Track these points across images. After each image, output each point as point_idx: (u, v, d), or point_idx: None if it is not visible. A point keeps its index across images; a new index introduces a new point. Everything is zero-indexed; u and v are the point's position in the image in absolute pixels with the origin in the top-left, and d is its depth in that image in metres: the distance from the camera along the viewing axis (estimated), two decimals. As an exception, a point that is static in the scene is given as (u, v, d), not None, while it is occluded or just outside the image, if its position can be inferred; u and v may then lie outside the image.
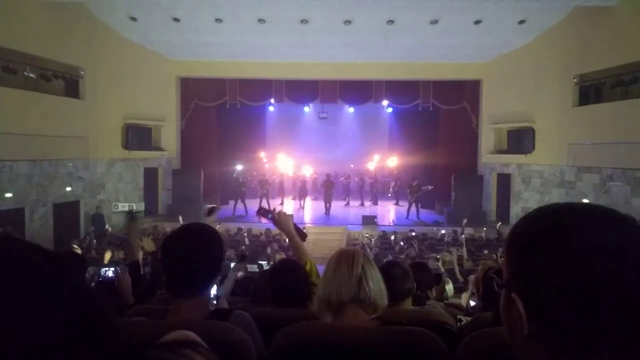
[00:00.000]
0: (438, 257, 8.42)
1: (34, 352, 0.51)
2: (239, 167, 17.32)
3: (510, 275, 0.69)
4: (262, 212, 2.68)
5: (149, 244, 3.62)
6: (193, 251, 1.56)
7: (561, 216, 0.66)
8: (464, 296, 4.31)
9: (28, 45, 11.56)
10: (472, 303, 3.91)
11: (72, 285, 0.59)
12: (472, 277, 5.41)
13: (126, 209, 14.78)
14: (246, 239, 12.04)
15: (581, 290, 0.59)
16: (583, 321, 0.59)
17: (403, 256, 9.76)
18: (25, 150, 11.56)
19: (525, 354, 0.67)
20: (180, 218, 12.60)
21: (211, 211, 3.08)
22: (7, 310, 0.51)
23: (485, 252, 10.36)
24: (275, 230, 13.88)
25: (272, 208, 2.72)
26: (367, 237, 13.17)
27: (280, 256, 8.83)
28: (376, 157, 21.10)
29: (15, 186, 11.40)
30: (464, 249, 9.94)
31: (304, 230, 2.63)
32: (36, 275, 0.56)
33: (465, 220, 13.23)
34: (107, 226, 13.90)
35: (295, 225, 2.56)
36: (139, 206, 15.23)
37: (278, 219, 2.55)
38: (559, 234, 0.63)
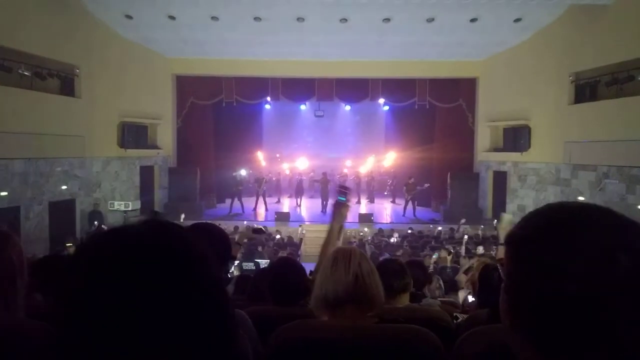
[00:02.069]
0: (435, 254, 8.46)
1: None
2: (243, 171, 17.29)
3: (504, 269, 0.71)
4: (342, 190, 2.46)
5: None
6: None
7: (554, 215, 0.66)
8: (461, 294, 4.33)
9: (23, 43, 11.48)
10: (470, 299, 3.93)
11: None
12: (463, 276, 5.43)
13: (122, 207, 14.73)
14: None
15: (554, 288, 0.59)
16: (554, 318, 0.59)
17: (400, 253, 9.79)
18: (20, 148, 11.49)
19: (512, 343, 0.68)
20: (182, 216, 12.64)
21: (257, 231, 3.00)
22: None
23: (480, 248, 10.39)
24: (272, 228, 13.97)
25: (349, 195, 2.50)
26: (362, 233, 13.23)
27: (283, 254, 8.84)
28: (373, 155, 21.10)
29: (11, 184, 11.33)
30: (463, 247, 9.99)
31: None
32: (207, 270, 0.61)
33: (463, 220, 13.34)
34: (102, 225, 13.84)
35: (342, 226, 2.44)
36: (134, 204, 15.18)
37: (344, 208, 2.40)
38: (544, 233, 0.64)
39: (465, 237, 11.21)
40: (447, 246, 10.43)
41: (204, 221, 1.74)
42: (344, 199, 2.39)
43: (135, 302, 0.53)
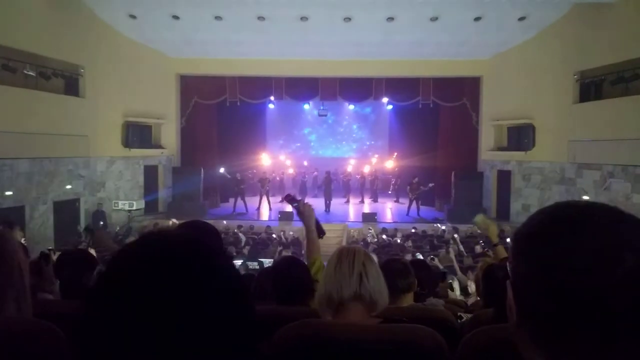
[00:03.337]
0: (433, 256, 8.47)
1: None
2: (222, 169, 17.18)
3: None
4: (290, 199, 2.71)
5: None
6: None
7: (560, 213, 0.65)
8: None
9: (27, 43, 11.53)
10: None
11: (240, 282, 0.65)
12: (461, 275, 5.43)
13: (126, 207, 14.76)
14: (243, 237, 12.08)
15: (556, 285, 0.59)
16: (557, 316, 0.59)
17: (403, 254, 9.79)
18: (25, 148, 11.55)
19: (517, 342, 0.68)
20: (174, 220, 12.52)
21: (293, 200, 2.89)
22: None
23: (477, 247, 10.40)
24: (275, 227, 13.98)
25: (299, 198, 2.75)
26: (370, 232, 13.23)
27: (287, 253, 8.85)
28: (376, 155, 21.08)
29: (16, 184, 11.40)
30: (459, 247, 10.01)
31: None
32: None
33: (448, 223, 13.78)
34: (102, 223, 13.90)
35: (316, 220, 2.59)
36: (139, 204, 15.22)
37: (303, 209, 2.58)
38: (549, 230, 0.63)
39: (456, 236, 11.22)
40: (450, 247, 10.44)
41: (195, 219, 1.81)
42: (296, 204, 2.62)
43: (162, 316, 0.54)
